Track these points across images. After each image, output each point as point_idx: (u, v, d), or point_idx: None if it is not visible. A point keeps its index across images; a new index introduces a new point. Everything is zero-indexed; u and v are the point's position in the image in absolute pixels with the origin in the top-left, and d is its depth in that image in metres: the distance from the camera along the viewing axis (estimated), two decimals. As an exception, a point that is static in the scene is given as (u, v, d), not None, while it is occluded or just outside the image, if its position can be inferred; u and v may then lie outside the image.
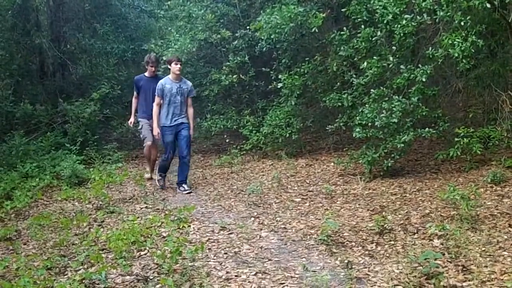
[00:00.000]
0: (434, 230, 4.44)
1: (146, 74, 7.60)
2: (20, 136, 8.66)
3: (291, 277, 3.91)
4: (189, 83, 7.04)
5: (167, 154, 6.90)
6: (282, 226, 5.15)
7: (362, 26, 6.53)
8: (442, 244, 4.28)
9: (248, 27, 8.45)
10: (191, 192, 6.72)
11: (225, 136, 9.24)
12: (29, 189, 6.76)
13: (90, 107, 9.69)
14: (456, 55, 5.62)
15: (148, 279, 3.98)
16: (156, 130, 6.85)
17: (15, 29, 10.38)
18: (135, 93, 7.63)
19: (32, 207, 6.45)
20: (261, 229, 5.09)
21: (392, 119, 6.13)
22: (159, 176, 7.08)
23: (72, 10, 11.53)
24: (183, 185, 6.83)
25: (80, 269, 4.19)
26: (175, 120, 6.79)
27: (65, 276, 4.09)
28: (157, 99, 6.82)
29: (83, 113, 9.57)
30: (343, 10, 6.93)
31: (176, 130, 6.82)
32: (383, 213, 5.21)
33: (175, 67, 6.76)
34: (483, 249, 4.11)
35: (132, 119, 7.74)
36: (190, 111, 6.97)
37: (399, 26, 6.11)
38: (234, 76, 8.67)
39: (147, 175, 7.68)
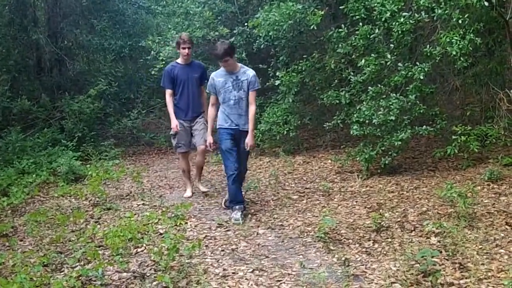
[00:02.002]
0: (431, 227, 4.46)
1: (179, 60, 6.19)
2: (17, 132, 8.63)
3: (288, 274, 3.92)
4: (250, 73, 5.36)
5: (230, 169, 5.25)
6: (279, 223, 5.14)
7: (360, 24, 6.54)
8: (439, 241, 4.29)
9: (246, 24, 8.44)
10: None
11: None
12: (25, 185, 6.74)
13: (87, 103, 9.66)
14: (454, 53, 5.64)
15: (145, 276, 3.97)
16: (210, 139, 5.56)
17: (12, 25, 10.34)
18: (168, 89, 6.06)
19: (29, 204, 6.43)
20: (258, 226, 5.08)
21: (389, 116, 6.13)
22: (236, 213, 5.23)
23: (69, 5, 11.46)
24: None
25: (76, 266, 4.18)
26: (235, 124, 5.37)
27: (62, 273, 4.08)
28: (211, 98, 5.48)
29: (80, 109, 9.55)
30: (341, 7, 6.91)
31: (236, 135, 5.39)
32: (380, 210, 5.21)
33: (221, 64, 5.35)
34: (480, 246, 4.13)
35: (175, 123, 6.00)
36: (251, 110, 5.33)
37: (397, 23, 6.12)
38: (232, 73, 8.64)
39: (188, 193, 6.29)
